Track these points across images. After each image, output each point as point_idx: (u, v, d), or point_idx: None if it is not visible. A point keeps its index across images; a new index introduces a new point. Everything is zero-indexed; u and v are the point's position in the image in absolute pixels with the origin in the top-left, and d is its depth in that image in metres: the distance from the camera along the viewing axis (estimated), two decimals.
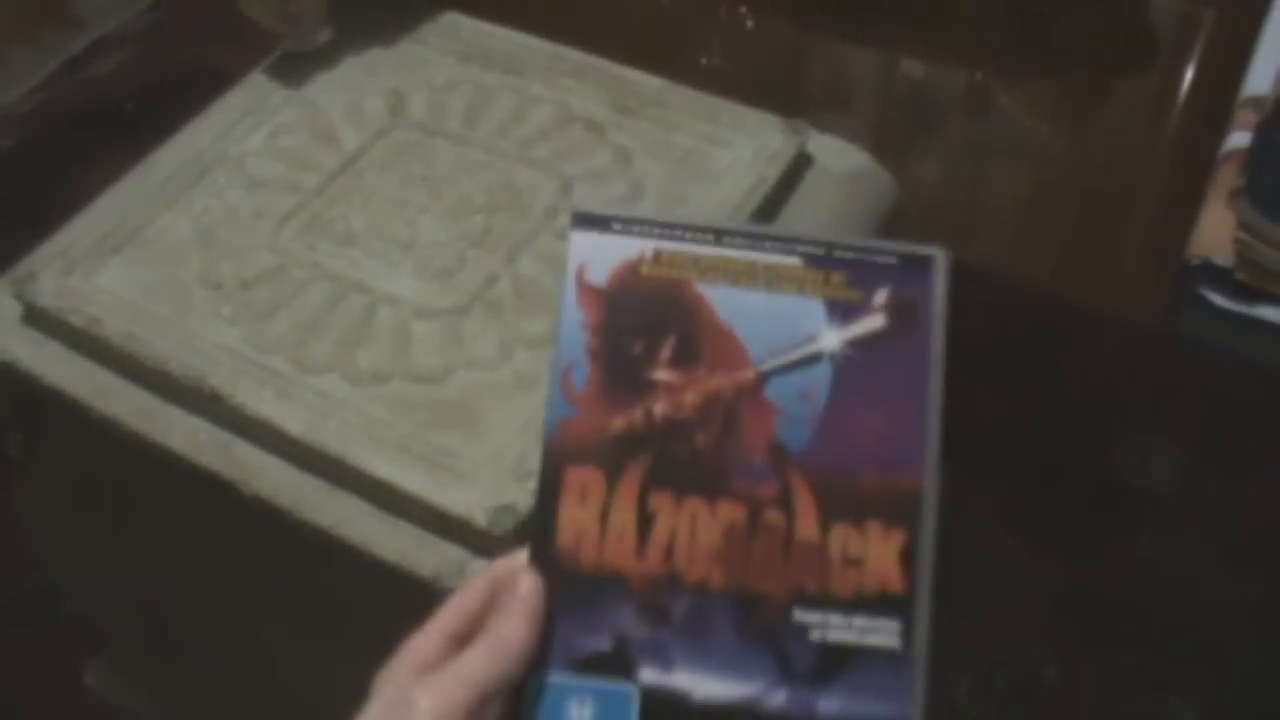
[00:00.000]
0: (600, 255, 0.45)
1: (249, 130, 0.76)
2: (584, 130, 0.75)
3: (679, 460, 0.43)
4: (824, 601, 0.42)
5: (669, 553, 0.42)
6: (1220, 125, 1.32)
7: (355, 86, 0.78)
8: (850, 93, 1.61)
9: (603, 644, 0.42)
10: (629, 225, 0.45)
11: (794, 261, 0.45)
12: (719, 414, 0.43)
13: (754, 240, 0.45)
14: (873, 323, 0.44)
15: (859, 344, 0.44)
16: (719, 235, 0.45)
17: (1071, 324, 1.27)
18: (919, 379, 0.44)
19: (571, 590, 0.42)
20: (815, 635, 0.42)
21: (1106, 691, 1.00)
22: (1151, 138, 1.55)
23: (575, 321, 0.44)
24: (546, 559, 0.42)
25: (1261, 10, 1.44)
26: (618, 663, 0.41)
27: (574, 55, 0.80)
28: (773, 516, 0.42)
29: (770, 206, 0.70)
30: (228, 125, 0.76)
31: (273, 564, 0.64)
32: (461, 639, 0.41)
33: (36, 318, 0.67)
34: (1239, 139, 1.25)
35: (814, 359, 0.44)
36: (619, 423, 0.43)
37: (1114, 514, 1.12)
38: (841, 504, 0.43)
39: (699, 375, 0.43)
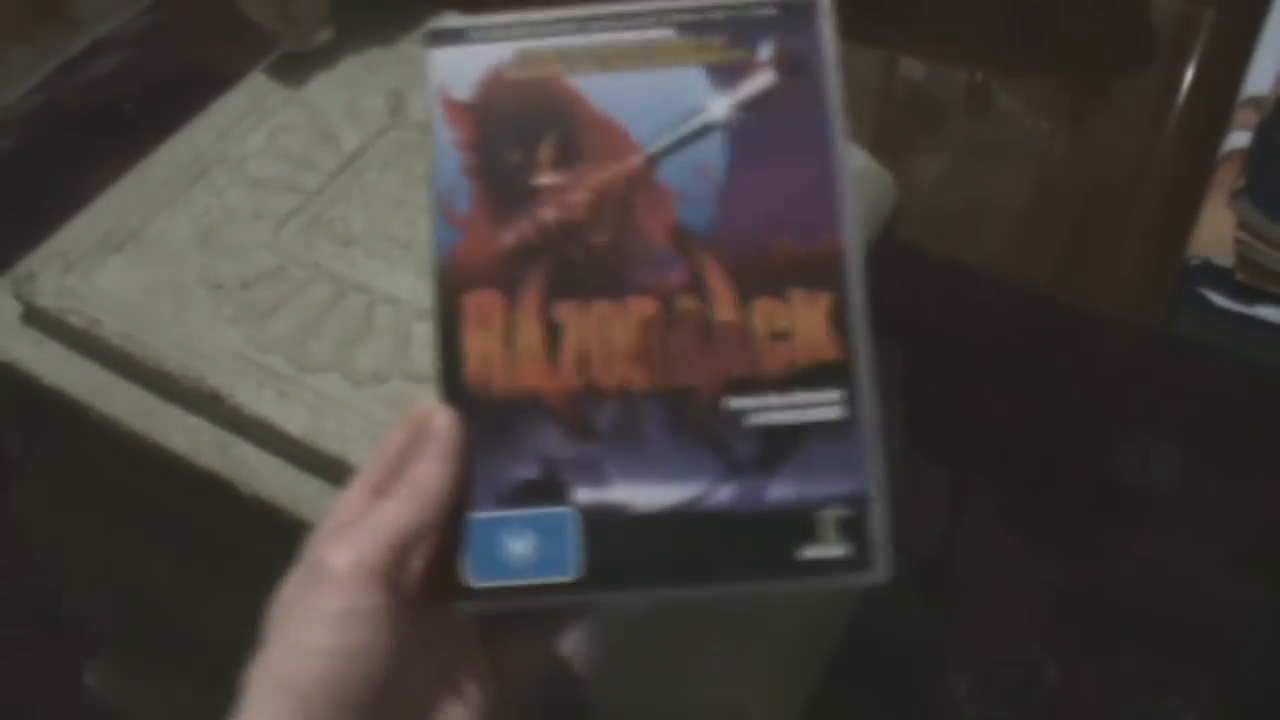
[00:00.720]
0: (462, 68, 0.42)
1: (249, 130, 0.76)
2: None
3: (578, 264, 0.40)
4: (756, 384, 0.39)
5: (584, 363, 0.40)
6: (1220, 125, 1.32)
7: (355, 86, 0.78)
8: (850, 93, 1.61)
9: (530, 471, 0.39)
10: (487, 31, 0.42)
11: (667, 34, 0.42)
12: (612, 208, 0.41)
13: (620, 20, 0.42)
14: (761, 81, 0.41)
15: (750, 106, 0.41)
16: (582, 23, 0.42)
17: (1071, 324, 1.27)
18: (821, 132, 0.41)
19: (488, 420, 0.39)
20: (752, 420, 0.39)
21: (1106, 691, 1.00)
22: (1151, 138, 1.55)
23: (446, 142, 0.41)
24: (457, 393, 0.40)
25: (1261, 10, 1.44)
26: (549, 487, 0.39)
27: None
28: (687, 304, 0.40)
29: None
30: (228, 125, 0.76)
31: (272, 564, 0.64)
32: (383, 492, 0.39)
33: (36, 318, 0.67)
34: (1239, 139, 1.25)
35: (704, 131, 0.41)
36: (509, 238, 0.41)
37: (1114, 514, 1.12)
38: (758, 278, 0.40)
39: (584, 172, 0.41)
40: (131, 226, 0.70)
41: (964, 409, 1.20)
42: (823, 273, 0.40)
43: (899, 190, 0.76)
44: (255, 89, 0.79)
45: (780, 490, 0.39)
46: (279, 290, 0.67)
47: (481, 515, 0.39)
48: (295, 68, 0.79)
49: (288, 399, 0.62)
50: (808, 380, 0.39)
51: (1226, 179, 1.22)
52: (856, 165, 0.75)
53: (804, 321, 0.40)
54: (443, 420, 0.39)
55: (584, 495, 0.39)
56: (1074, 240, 1.37)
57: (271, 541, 0.62)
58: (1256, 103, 1.30)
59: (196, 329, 0.65)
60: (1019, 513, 1.12)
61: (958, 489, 1.16)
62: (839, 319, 0.40)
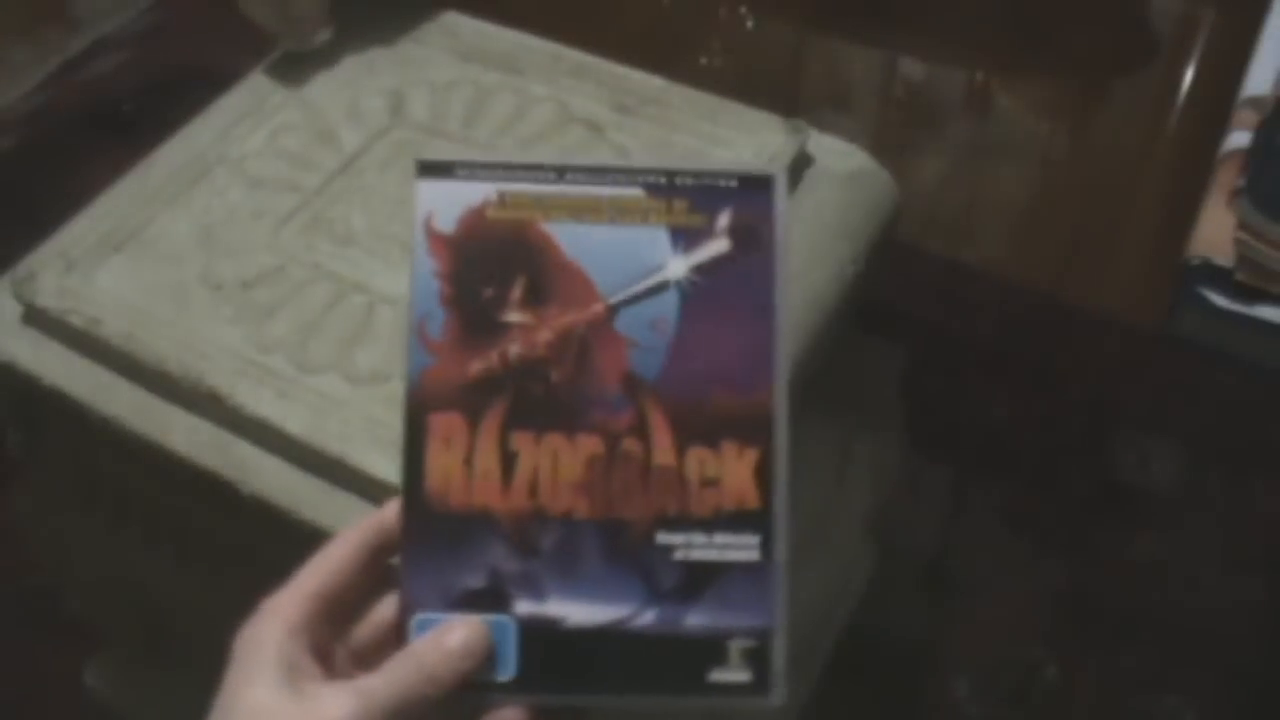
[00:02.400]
0: (447, 202, 0.45)
1: (249, 130, 0.76)
2: (584, 130, 0.75)
3: (536, 399, 0.44)
4: (685, 522, 0.43)
5: (534, 488, 0.43)
6: (1220, 125, 1.32)
7: (355, 86, 0.78)
8: (850, 93, 1.61)
9: (478, 580, 0.43)
10: (473, 170, 0.46)
11: (636, 192, 0.45)
12: (572, 350, 0.44)
13: (596, 175, 0.46)
14: (716, 246, 0.45)
15: (704, 269, 0.45)
16: (561, 173, 0.46)
17: (1071, 324, 1.27)
18: (765, 299, 0.45)
19: (443, 531, 0.43)
20: (679, 555, 0.43)
21: (1106, 691, 1.00)
22: (1151, 138, 1.55)
23: (427, 270, 0.45)
24: (417, 503, 0.43)
25: (1261, 10, 1.44)
26: (493, 597, 0.43)
27: (574, 55, 0.80)
28: (630, 445, 0.44)
29: None
30: (228, 125, 0.76)
31: (272, 564, 0.64)
32: (322, 598, 0.42)
33: (36, 318, 0.67)
34: (1239, 139, 1.25)
35: (661, 287, 0.45)
36: (476, 367, 0.44)
37: (1114, 514, 1.12)
38: (696, 427, 0.44)
39: (550, 314, 0.44)
40: (131, 226, 0.70)
41: (964, 409, 1.20)
42: (753, 427, 0.44)
43: (899, 190, 0.76)
44: (255, 89, 0.79)
45: (697, 618, 0.43)
46: (279, 290, 0.67)
47: (429, 616, 0.43)
48: (295, 68, 0.79)
49: (288, 399, 0.62)
50: (730, 524, 0.43)
51: (1226, 179, 1.22)
52: (856, 165, 0.75)
53: (731, 470, 0.44)
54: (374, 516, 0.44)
55: (524, 606, 0.43)
56: (1074, 240, 1.37)
57: (271, 541, 0.62)
58: (1256, 103, 1.30)
59: (196, 329, 0.65)
60: (1019, 513, 1.12)
61: (958, 489, 1.16)
62: (763, 471, 0.44)
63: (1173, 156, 1.50)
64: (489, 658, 0.42)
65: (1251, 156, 1.21)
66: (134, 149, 0.75)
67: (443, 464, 0.43)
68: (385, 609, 0.44)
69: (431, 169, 0.46)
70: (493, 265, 0.45)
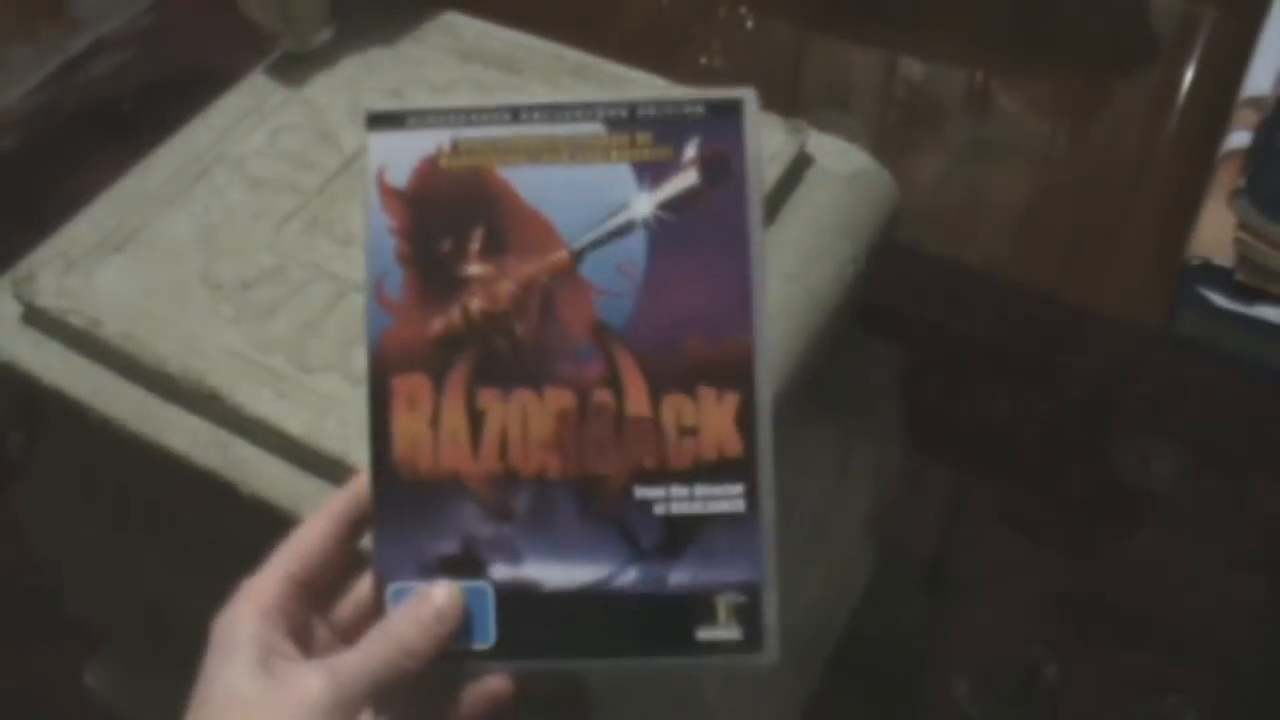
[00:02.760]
0: (399, 155, 0.43)
1: (249, 130, 0.76)
2: None
3: (501, 354, 0.42)
4: (663, 475, 0.42)
5: (503, 449, 0.42)
6: (1220, 125, 1.32)
7: (355, 86, 0.78)
8: (850, 93, 1.61)
9: (451, 547, 0.42)
10: (424, 117, 0.43)
11: (596, 128, 0.43)
12: (536, 301, 0.42)
13: (553, 113, 0.43)
14: (684, 180, 0.42)
15: (672, 205, 0.42)
16: (515, 113, 0.43)
17: (1071, 324, 1.27)
18: (739, 234, 0.42)
19: (413, 498, 0.42)
20: (658, 510, 0.42)
21: (1106, 691, 1.00)
22: (1151, 138, 1.55)
23: (382, 228, 0.43)
24: (385, 471, 0.42)
25: (1261, 10, 1.44)
26: (468, 563, 0.42)
27: (574, 55, 0.80)
28: (602, 397, 0.42)
29: (770, 206, 0.70)
30: (228, 125, 0.76)
31: None
32: (298, 578, 0.42)
33: (36, 318, 0.67)
34: (1239, 139, 1.25)
35: (627, 228, 0.42)
36: (437, 325, 0.42)
37: (1114, 514, 1.12)
38: (670, 375, 0.42)
39: (511, 264, 0.42)
40: (131, 226, 0.70)
41: (964, 409, 1.20)
42: (732, 373, 0.42)
43: (899, 190, 0.76)
44: (255, 89, 0.79)
45: (681, 575, 0.41)
46: (279, 290, 0.67)
47: (404, 585, 0.42)
48: (295, 68, 0.79)
49: (288, 399, 0.62)
50: (711, 474, 0.42)
51: (1226, 179, 1.22)
52: (856, 165, 0.75)
53: (710, 419, 0.42)
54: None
55: (500, 571, 0.42)
56: (1074, 240, 1.37)
57: (272, 541, 0.62)
58: (1256, 103, 1.30)
59: (196, 329, 0.65)
60: (1019, 513, 1.12)
61: (958, 489, 1.16)
62: (744, 418, 0.42)
63: (1173, 156, 1.50)
64: (467, 625, 0.41)
65: (1251, 156, 1.21)
66: (134, 149, 0.75)
67: (409, 428, 0.42)
68: (366, 584, 0.43)
69: (381, 120, 0.43)
70: (449, 217, 0.43)
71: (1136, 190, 1.46)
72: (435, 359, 0.42)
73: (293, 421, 0.61)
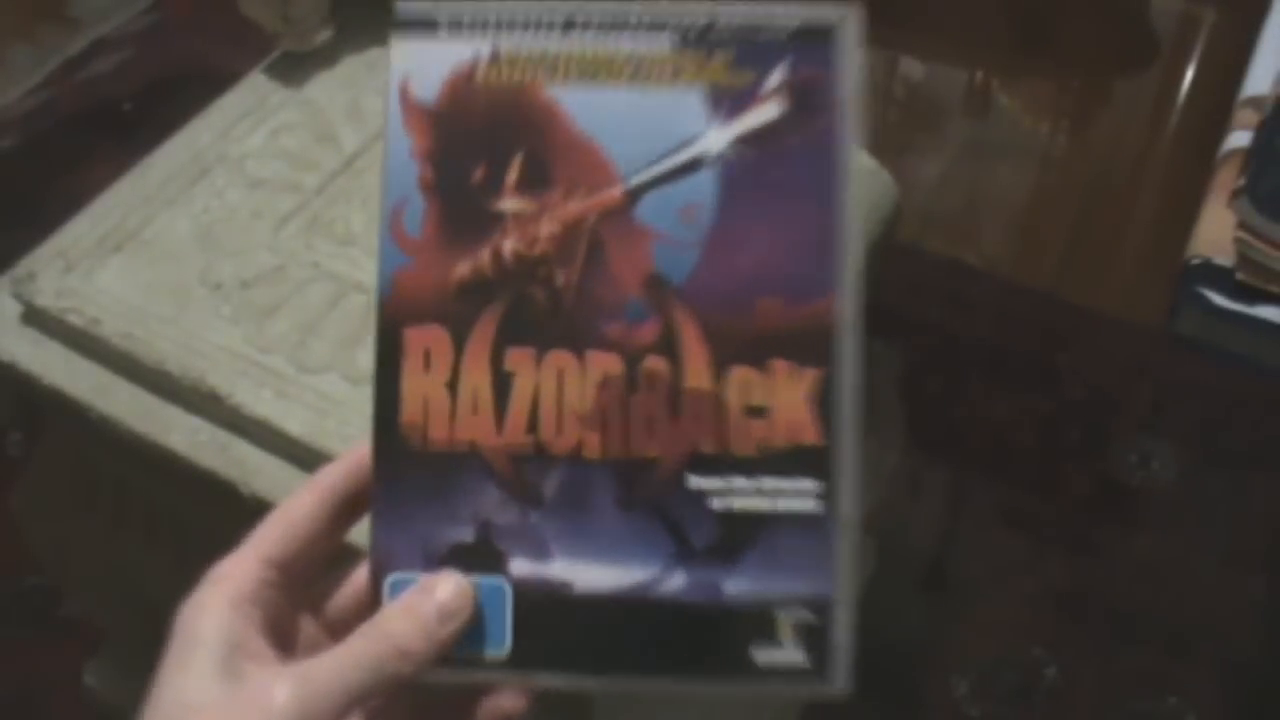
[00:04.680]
0: (428, 65, 0.36)
1: (249, 130, 0.76)
2: None
3: (537, 307, 0.35)
4: (723, 462, 0.35)
5: (533, 420, 0.35)
6: (1220, 125, 1.32)
7: (355, 86, 0.78)
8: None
9: (465, 534, 0.35)
10: (459, 24, 0.36)
11: (664, 45, 0.36)
12: (581, 245, 0.36)
13: (613, 24, 0.36)
14: (765, 112, 0.36)
15: (750, 141, 0.36)
16: (569, 23, 0.36)
17: (1071, 324, 1.27)
18: (827, 180, 0.36)
19: (422, 472, 0.35)
20: (715, 504, 0.35)
21: (1106, 691, 1.00)
22: (1151, 138, 1.55)
23: (403, 150, 0.36)
24: (390, 439, 0.35)
25: (1261, 10, 1.44)
26: (484, 554, 0.35)
27: None
28: (654, 365, 0.35)
29: None
30: (228, 125, 0.76)
31: None
32: (278, 563, 0.36)
33: (36, 318, 0.67)
34: (1239, 139, 1.25)
35: (694, 165, 0.35)
36: (463, 268, 0.35)
37: (1114, 514, 1.12)
38: (738, 342, 0.35)
39: (554, 200, 0.36)
40: (131, 226, 0.70)
41: (964, 409, 1.20)
42: (811, 344, 0.35)
43: (899, 190, 0.76)
44: (255, 89, 0.79)
45: (738, 584, 0.35)
46: (279, 290, 0.67)
47: (406, 576, 0.35)
48: (295, 68, 0.79)
49: (288, 399, 0.62)
50: (782, 465, 0.35)
51: (1226, 179, 1.22)
52: (857, 165, 0.75)
53: (784, 398, 0.35)
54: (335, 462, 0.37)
55: (521, 567, 0.35)
56: (1074, 240, 1.37)
57: None
58: (1256, 103, 1.30)
59: (196, 329, 0.65)
60: (1019, 513, 1.12)
61: (958, 489, 1.16)
62: (824, 399, 0.35)
63: (1173, 156, 1.50)
64: (478, 628, 0.35)
65: (1251, 156, 1.21)
66: (134, 149, 0.75)
67: (421, 389, 0.35)
68: (363, 573, 0.36)
69: (409, 24, 0.36)
70: (484, 141, 0.36)
71: (1136, 190, 1.46)
72: (457, 309, 0.35)
73: (293, 421, 0.61)
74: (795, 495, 0.35)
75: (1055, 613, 1.05)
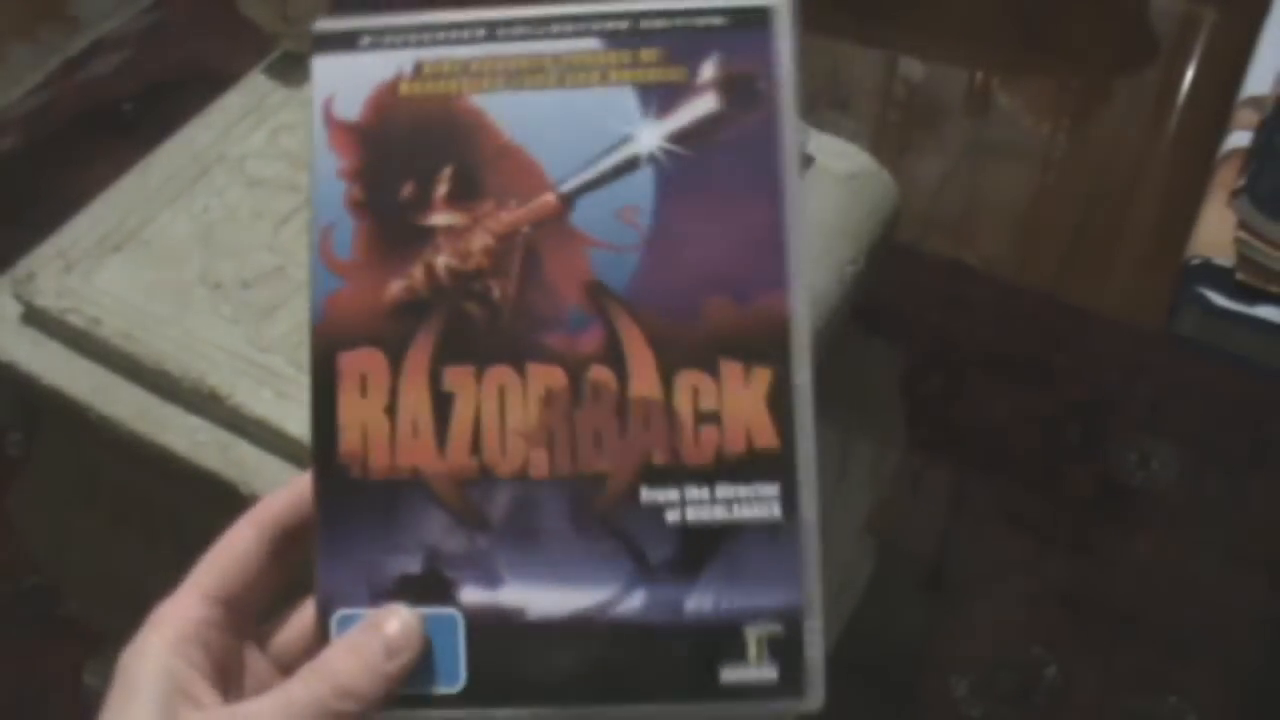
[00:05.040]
0: (351, 81, 0.35)
1: (249, 130, 0.76)
2: None
3: (475, 323, 0.34)
4: (677, 473, 0.33)
5: (476, 441, 0.34)
6: (1220, 125, 1.32)
7: None
8: (850, 93, 1.61)
9: (411, 564, 0.34)
10: (380, 36, 0.35)
11: (591, 44, 0.35)
12: (517, 256, 0.34)
13: (537, 27, 0.35)
14: (701, 106, 0.34)
15: (686, 137, 0.34)
16: (491, 29, 0.35)
17: (1071, 324, 1.27)
18: (769, 173, 0.34)
19: (364, 503, 0.34)
20: (671, 517, 0.33)
21: (1106, 691, 1.00)
22: (1151, 138, 1.55)
23: (330, 170, 0.35)
24: (329, 469, 0.34)
25: (1261, 10, 1.44)
26: (432, 584, 0.33)
27: None
28: (599, 375, 0.33)
29: None
30: (228, 125, 0.76)
31: None
32: (221, 600, 0.34)
33: (36, 318, 0.67)
34: (1239, 139, 1.25)
35: (629, 166, 0.34)
36: (396, 288, 0.34)
37: (1114, 514, 1.12)
38: (685, 346, 0.33)
39: (486, 211, 0.34)
40: (131, 226, 0.70)
41: (964, 409, 1.20)
42: (762, 343, 0.33)
43: (899, 190, 0.76)
44: (255, 89, 0.79)
45: (700, 600, 0.33)
46: (279, 290, 0.67)
47: (352, 611, 0.34)
48: (295, 68, 0.79)
49: (288, 399, 0.62)
50: (738, 471, 0.33)
51: (1226, 179, 1.21)
52: (856, 165, 0.75)
53: (736, 401, 0.33)
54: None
55: (471, 595, 0.33)
56: (1074, 240, 1.37)
57: None
58: (1256, 103, 1.30)
59: (196, 329, 0.65)
60: (1019, 513, 1.12)
61: (958, 489, 1.16)
62: (778, 399, 0.33)
63: (1173, 156, 1.50)
64: (429, 663, 0.33)
65: (1251, 156, 1.21)
66: (134, 149, 0.75)
67: (359, 416, 0.34)
68: (311, 608, 0.35)
69: (330, 41, 0.35)
70: (411, 155, 0.35)
71: (1136, 190, 1.46)
72: (392, 330, 0.34)
73: (292, 421, 0.61)
74: (755, 502, 0.33)
75: (1055, 613, 1.05)
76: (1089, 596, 1.06)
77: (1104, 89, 1.60)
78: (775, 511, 0.33)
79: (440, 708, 0.33)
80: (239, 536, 0.36)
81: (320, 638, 0.34)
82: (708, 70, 0.34)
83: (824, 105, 1.57)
